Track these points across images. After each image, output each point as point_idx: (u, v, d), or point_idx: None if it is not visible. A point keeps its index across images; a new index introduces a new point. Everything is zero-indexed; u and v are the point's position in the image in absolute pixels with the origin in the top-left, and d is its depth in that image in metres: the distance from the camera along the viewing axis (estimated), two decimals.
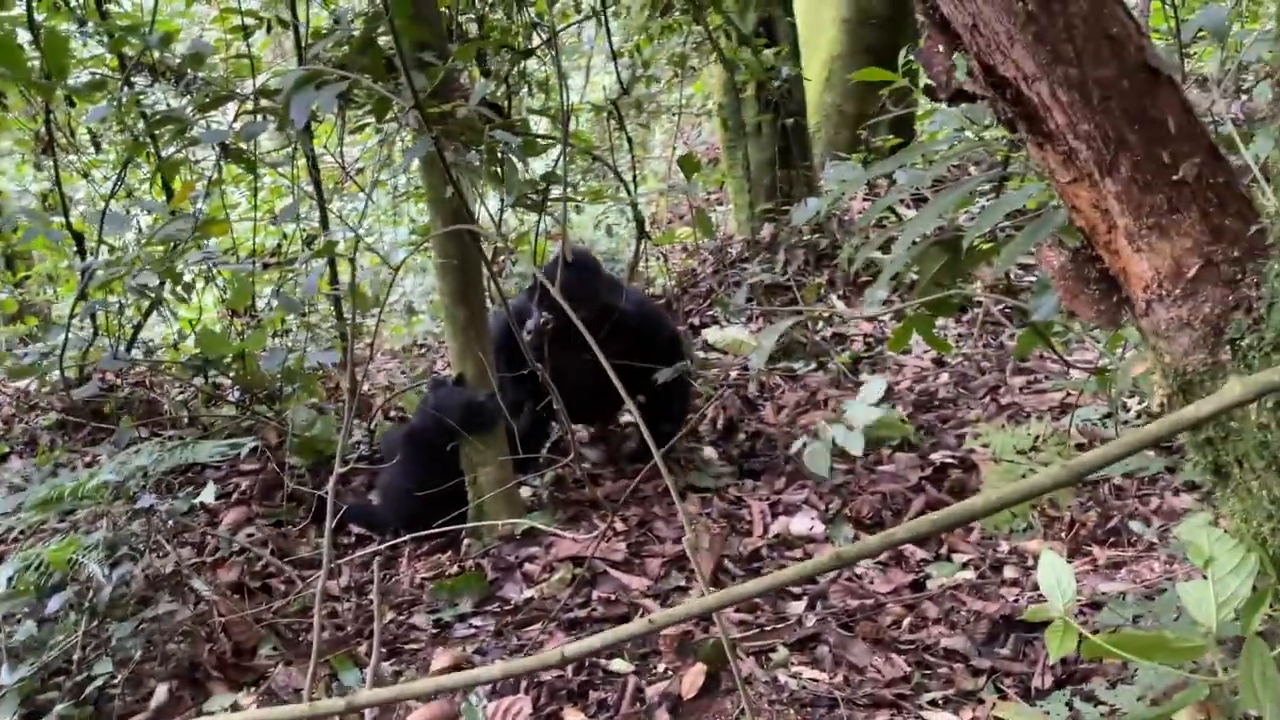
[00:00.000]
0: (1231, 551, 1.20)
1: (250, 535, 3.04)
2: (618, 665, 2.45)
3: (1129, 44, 0.94)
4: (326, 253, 2.75)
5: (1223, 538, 1.22)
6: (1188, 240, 0.99)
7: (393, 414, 3.81)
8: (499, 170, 2.04)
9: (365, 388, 3.95)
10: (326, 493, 1.98)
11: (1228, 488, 1.10)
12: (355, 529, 3.25)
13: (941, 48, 1.03)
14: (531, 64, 4.04)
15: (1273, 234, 0.96)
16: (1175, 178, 0.97)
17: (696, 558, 2.97)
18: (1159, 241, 1.00)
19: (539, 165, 3.27)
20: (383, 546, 2.66)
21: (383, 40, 2.22)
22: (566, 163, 2.46)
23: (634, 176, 3.79)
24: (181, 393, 3.60)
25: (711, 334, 4.18)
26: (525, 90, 3.88)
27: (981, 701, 2.19)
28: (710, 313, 4.59)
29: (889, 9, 5.10)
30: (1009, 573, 2.65)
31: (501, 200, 3.66)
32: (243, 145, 2.21)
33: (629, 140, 3.76)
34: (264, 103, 2.04)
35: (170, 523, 2.83)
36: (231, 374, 3.23)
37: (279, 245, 3.69)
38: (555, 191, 2.90)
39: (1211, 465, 1.09)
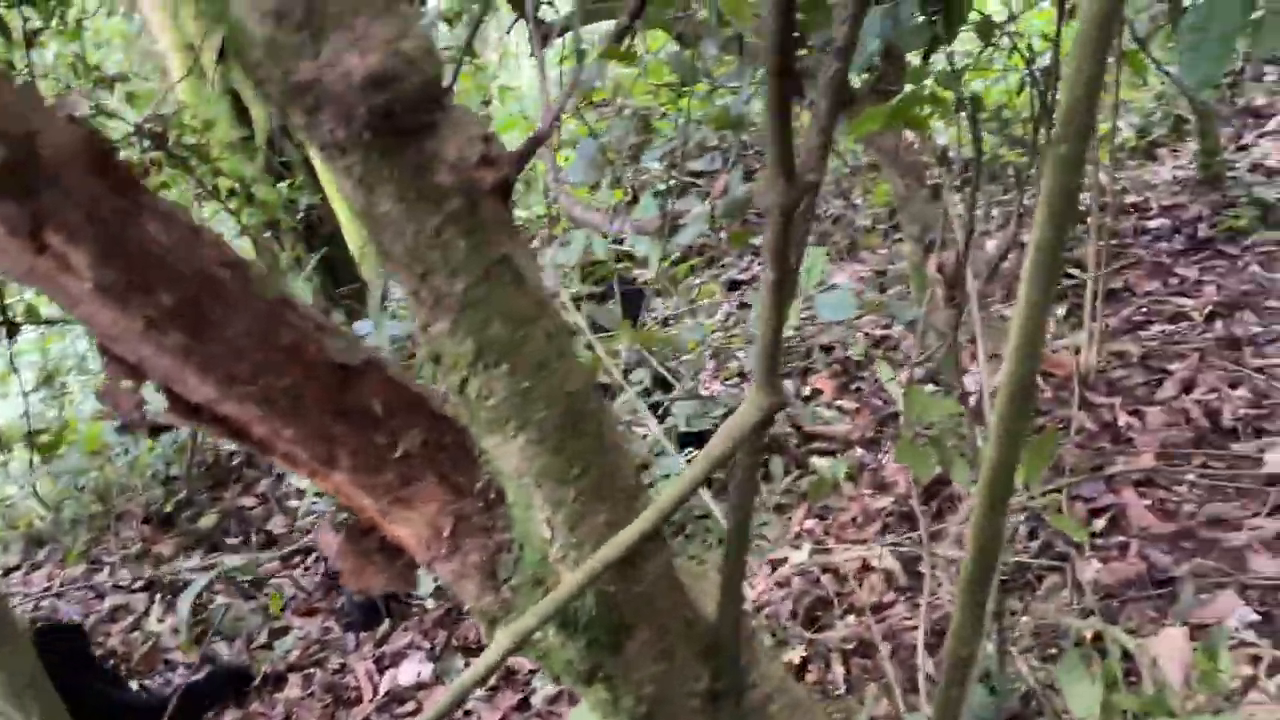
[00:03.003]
0: None
1: None
2: None
3: (307, 347, 0.94)
4: None
5: None
6: (433, 504, 1.02)
7: None
8: None
9: None
10: None
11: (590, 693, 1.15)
12: None
13: (126, 382, 0.99)
14: None
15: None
16: (399, 454, 0.99)
17: None
18: (408, 512, 1.02)
19: None
20: None
21: None
22: None
23: None
24: None
25: None
26: None
27: None
28: None
29: None
30: None
31: None
32: None
33: None
34: None
35: None
36: None
37: None
38: None
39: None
